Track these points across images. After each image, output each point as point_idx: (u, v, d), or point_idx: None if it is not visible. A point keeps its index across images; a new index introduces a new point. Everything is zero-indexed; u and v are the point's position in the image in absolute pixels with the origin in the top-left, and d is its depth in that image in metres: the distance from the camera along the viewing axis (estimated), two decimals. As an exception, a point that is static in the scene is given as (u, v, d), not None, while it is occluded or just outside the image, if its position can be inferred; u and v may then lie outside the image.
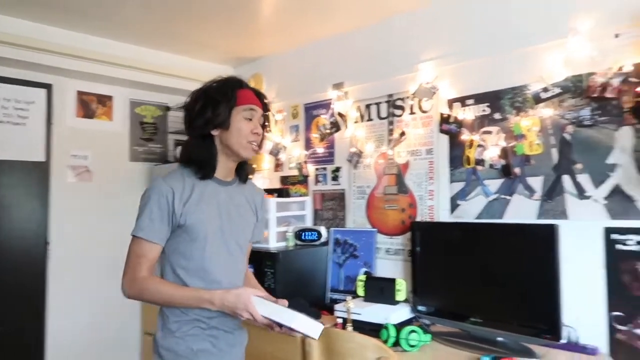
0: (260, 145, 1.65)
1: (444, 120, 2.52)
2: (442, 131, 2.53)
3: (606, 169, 2.01)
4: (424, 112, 2.63)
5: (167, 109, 3.75)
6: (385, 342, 2.09)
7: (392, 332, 2.11)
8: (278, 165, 3.44)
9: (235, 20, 2.87)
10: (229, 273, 1.63)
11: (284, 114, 3.39)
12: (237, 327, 1.69)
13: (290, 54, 3.40)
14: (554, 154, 2.16)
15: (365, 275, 2.62)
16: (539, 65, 2.19)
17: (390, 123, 2.78)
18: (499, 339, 2.11)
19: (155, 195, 1.53)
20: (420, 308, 2.38)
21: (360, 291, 2.53)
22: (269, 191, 3.12)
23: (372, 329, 2.22)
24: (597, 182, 2.04)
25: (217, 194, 1.62)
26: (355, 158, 2.92)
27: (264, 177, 3.50)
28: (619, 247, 1.98)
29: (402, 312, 2.33)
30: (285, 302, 1.52)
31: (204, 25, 2.95)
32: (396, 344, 2.09)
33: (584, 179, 2.07)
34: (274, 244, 2.93)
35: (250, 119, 1.59)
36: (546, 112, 2.16)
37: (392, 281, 2.44)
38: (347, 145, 2.99)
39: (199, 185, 1.59)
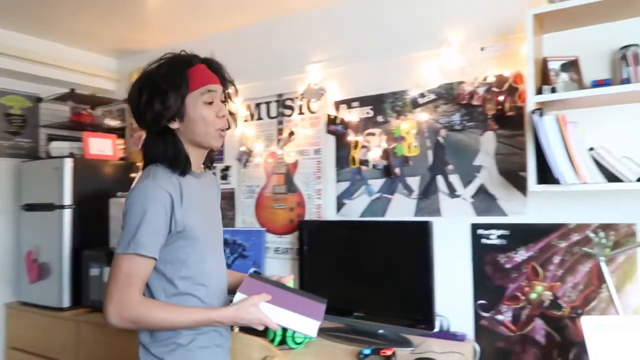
0: (228, 127, 1.41)
1: (331, 121, 2.58)
2: (329, 132, 2.60)
3: (473, 170, 2.20)
4: (312, 112, 2.68)
5: (39, 100, 3.41)
6: (272, 341, 2.09)
7: (280, 330, 2.11)
8: (165, 164, 3.28)
9: (119, 9, 2.69)
10: (221, 273, 1.47)
11: (171, 110, 3.25)
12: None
13: (179, 49, 3.25)
14: (430, 155, 2.31)
15: (252, 275, 2.59)
16: (417, 72, 2.33)
17: (280, 123, 2.80)
18: (380, 331, 2.21)
19: (151, 204, 1.27)
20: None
21: (249, 291, 2.50)
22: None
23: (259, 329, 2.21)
24: (466, 182, 2.22)
25: (196, 190, 1.40)
26: (245, 157, 2.89)
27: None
28: (484, 241, 2.18)
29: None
30: (290, 277, 1.51)
31: (83, 12, 2.72)
32: (283, 342, 2.10)
33: (454, 179, 2.25)
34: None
35: (211, 102, 1.34)
36: (423, 116, 2.31)
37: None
38: (236, 144, 2.94)
39: (184, 183, 1.36)
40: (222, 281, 1.48)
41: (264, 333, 2.11)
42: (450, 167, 2.26)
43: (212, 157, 1.51)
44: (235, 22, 2.89)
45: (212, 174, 1.60)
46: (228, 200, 2.98)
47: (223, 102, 1.40)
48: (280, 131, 2.79)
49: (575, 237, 1.98)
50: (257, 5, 2.65)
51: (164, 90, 1.29)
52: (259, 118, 2.88)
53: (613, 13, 1.82)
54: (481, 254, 2.18)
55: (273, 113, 2.83)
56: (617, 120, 1.88)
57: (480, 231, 2.18)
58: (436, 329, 2.12)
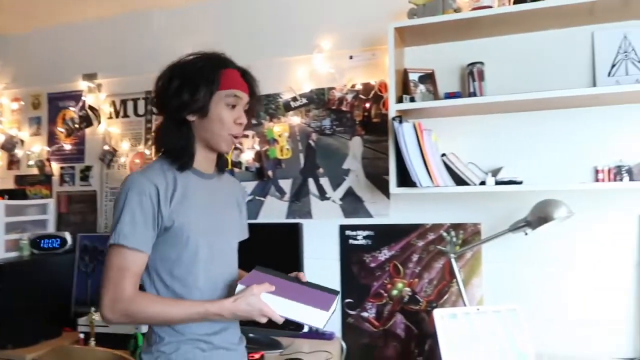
0: (243, 136, 1.40)
1: (154, 130, 2.49)
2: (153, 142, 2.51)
3: (342, 173, 2.28)
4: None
5: None
6: (132, 352, 1.96)
7: (140, 341, 1.99)
8: (13, 163, 2.93)
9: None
10: (224, 280, 1.39)
11: (22, 104, 2.92)
12: (239, 341, 1.47)
13: (34, 36, 2.94)
14: (301, 158, 2.35)
15: (116, 284, 2.41)
16: (290, 76, 2.36)
17: (149, 121, 2.65)
18: (251, 335, 2.18)
19: (136, 194, 1.26)
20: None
21: (110, 301, 2.32)
22: (-1, 192, 2.63)
23: (122, 341, 2.06)
24: (335, 185, 2.29)
25: (200, 189, 1.38)
26: (109, 157, 2.69)
27: (-6, 176, 2.94)
28: (351, 241, 2.26)
29: (154, 319, 2.22)
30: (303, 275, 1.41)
31: None
32: (146, 353, 1.98)
33: (325, 182, 2.31)
34: (2, 255, 2.47)
35: (234, 106, 1.35)
36: (295, 119, 2.35)
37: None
38: (99, 143, 2.72)
39: (181, 179, 1.34)
40: (224, 289, 1.37)
41: (124, 345, 1.99)
42: (321, 170, 2.31)
43: (225, 161, 1.51)
44: (98, 11, 2.68)
45: (234, 179, 1.61)
46: (89, 203, 2.74)
47: (246, 112, 1.40)
48: (148, 130, 2.64)
49: (431, 236, 2.14)
50: (124, -5, 2.49)
51: (196, 83, 1.30)
52: (125, 115, 2.69)
53: (462, 33, 2.01)
54: (349, 254, 2.26)
55: (141, 111, 2.66)
56: (465, 129, 2.08)
57: (348, 232, 2.27)
58: (305, 330, 2.15)
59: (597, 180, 1.88)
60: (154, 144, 1.43)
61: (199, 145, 1.37)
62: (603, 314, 1.91)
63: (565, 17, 1.86)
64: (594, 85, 1.89)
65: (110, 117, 2.72)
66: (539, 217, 1.77)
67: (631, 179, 1.81)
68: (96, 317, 2.11)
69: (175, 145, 1.34)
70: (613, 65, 1.89)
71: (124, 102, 2.70)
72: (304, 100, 2.33)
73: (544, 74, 1.97)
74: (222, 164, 1.49)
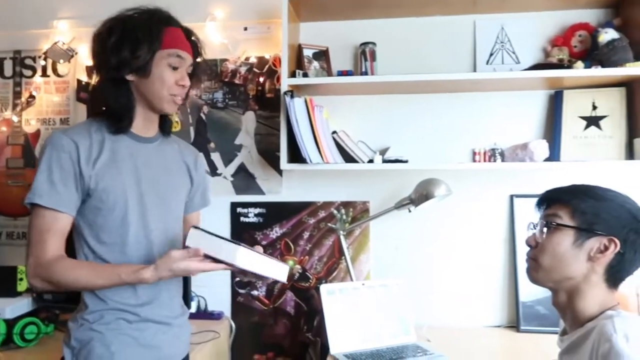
0: (185, 98, 1.34)
1: (82, 88, 2.29)
2: (79, 99, 2.30)
3: (234, 148, 2.21)
4: (59, 76, 2.33)
5: None
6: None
7: (2, 328, 1.80)
8: None
9: None
10: (161, 249, 1.29)
11: None
12: (178, 315, 1.37)
13: None
14: (192, 132, 2.24)
15: (-26, 266, 2.16)
16: (181, 45, 2.22)
17: (18, 84, 2.36)
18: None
19: (53, 151, 1.20)
20: (46, 297, 2.11)
21: (-32, 285, 2.07)
22: None
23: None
24: (227, 160, 2.22)
25: (135, 152, 1.30)
26: (-33, 123, 2.36)
27: None
28: (242, 219, 2.21)
29: (20, 305, 2.00)
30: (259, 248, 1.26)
31: None
32: (8, 341, 1.80)
33: (216, 158, 2.22)
34: None
35: (177, 68, 1.27)
36: (185, 91, 2.22)
37: (12, 270, 2.08)
38: (-44, 106, 2.38)
39: (110, 142, 1.27)
40: (156, 257, 1.25)
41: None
42: (212, 145, 2.23)
43: (169, 123, 1.42)
44: (-44, -47, 2.32)
45: (185, 144, 1.51)
46: (-57, 175, 2.40)
47: (190, 74, 1.33)
48: (17, 94, 2.36)
49: (322, 214, 2.16)
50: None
51: (138, 40, 1.22)
52: (-11, 77, 2.38)
53: (357, 12, 2.02)
54: (240, 231, 2.21)
55: (8, 72, 2.37)
56: (357, 108, 2.11)
57: (239, 209, 2.21)
58: (192, 310, 2.08)
59: (474, 161, 2.01)
60: (89, 105, 1.35)
61: (138, 106, 1.30)
62: (477, 286, 2.06)
63: (451, 5, 1.95)
64: (475, 71, 2.01)
65: (-29, 78, 2.39)
66: (421, 194, 1.85)
67: (503, 161, 1.96)
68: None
69: (113, 107, 1.27)
70: (491, 54, 2.02)
71: (-14, 62, 2.38)
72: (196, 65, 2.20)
73: (431, 57, 2.05)
74: (166, 127, 1.41)
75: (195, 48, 1.35)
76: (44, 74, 2.33)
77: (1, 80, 2.37)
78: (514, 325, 1.98)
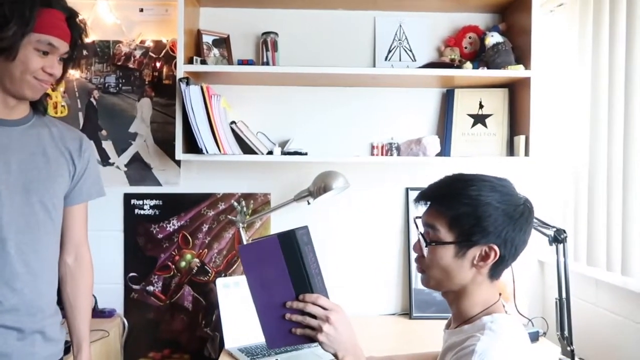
0: (56, 85, 1.17)
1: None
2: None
3: (128, 137, 2.09)
4: None
5: None
6: None
7: None
8: None
9: None
10: (22, 244, 1.18)
11: None
12: (35, 320, 1.21)
13: None
14: (81, 118, 2.08)
15: None
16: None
17: None
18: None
19: None
20: None
21: None
22: None
23: None
24: (120, 149, 2.09)
25: None
26: None
27: None
28: (137, 211, 2.09)
29: None
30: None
31: None
32: None
33: (108, 146, 2.08)
34: None
35: (47, 53, 1.15)
36: (73, 73, 2.04)
37: None
38: None
39: None
40: (26, 259, 1.19)
41: None
42: (104, 132, 2.08)
43: (42, 103, 1.29)
44: None
45: (68, 127, 1.37)
46: None
47: (64, 61, 1.22)
48: None
49: (222, 206, 2.10)
50: None
51: (7, 18, 1.09)
52: None
53: (258, 0, 1.98)
54: (134, 225, 2.09)
55: None
56: (257, 99, 2.07)
57: (133, 201, 2.09)
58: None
59: (372, 154, 2.05)
60: None
61: None
62: (374, 276, 2.11)
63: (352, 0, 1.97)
64: (374, 67, 2.05)
65: None
66: (320, 187, 1.86)
67: (399, 155, 2.02)
68: None
69: None
70: (390, 51, 2.07)
71: None
72: (84, 52, 2.05)
73: (332, 51, 2.06)
74: (39, 107, 1.28)
75: (76, 32, 1.23)
76: None
77: None
78: (408, 312, 2.07)
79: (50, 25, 1.15)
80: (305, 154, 1.91)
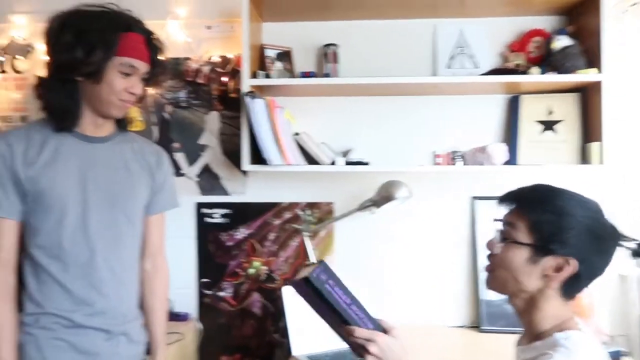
0: (139, 103, 1.27)
1: (37, 83, 2.23)
2: (37, 96, 2.23)
3: (198, 148, 2.19)
4: (17, 72, 2.27)
5: None
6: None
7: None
8: None
9: None
10: (108, 253, 1.27)
11: None
12: (119, 323, 1.31)
13: None
14: (155, 132, 2.21)
15: None
16: (144, 43, 2.19)
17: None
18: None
19: None
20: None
21: None
22: None
23: None
24: (191, 160, 2.20)
25: (79, 152, 1.26)
26: None
27: None
28: (207, 219, 2.19)
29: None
30: None
31: None
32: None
33: (180, 158, 2.20)
34: None
35: (129, 74, 1.23)
36: (148, 89, 2.18)
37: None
38: None
39: (53, 141, 1.24)
40: (113, 267, 1.29)
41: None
42: (176, 144, 2.20)
43: (125, 121, 1.39)
44: None
45: (148, 142, 1.48)
46: None
47: (145, 80, 1.30)
48: None
49: (287, 215, 2.16)
50: None
51: (93, 45, 1.18)
52: None
53: (319, 13, 2.01)
54: (205, 233, 2.19)
55: None
56: (319, 110, 2.11)
57: (204, 210, 2.20)
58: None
59: (435, 163, 2.03)
60: (38, 100, 1.29)
61: (85, 107, 1.27)
62: (439, 287, 2.08)
63: (412, 8, 1.96)
64: (435, 75, 2.03)
65: None
66: (383, 196, 1.87)
67: (465, 164, 1.98)
68: None
69: (58, 106, 1.24)
70: (451, 58, 2.04)
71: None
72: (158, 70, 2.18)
73: (392, 60, 2.06)
74: (122, 124, 1.38)
75: (154, 52, 1.32)
76: (2, 70, 2.27)
77: (-43, 76, 2.30)
78: (477, 325, 2.02)
79: (131, 48, 1.24)
80: (367, 163, 1.92)
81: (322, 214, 2.14)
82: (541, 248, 0.93)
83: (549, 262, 0.93)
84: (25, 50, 2.21)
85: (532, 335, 0.98)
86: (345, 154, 2.00)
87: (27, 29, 2.22)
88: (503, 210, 1.02)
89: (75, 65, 1.20)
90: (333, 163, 1.92)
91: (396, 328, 1.04)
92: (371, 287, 1.95)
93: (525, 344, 1.00)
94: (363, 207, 1.92)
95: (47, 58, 1.26)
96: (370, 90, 1.98)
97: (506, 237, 0.97)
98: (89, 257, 1.26)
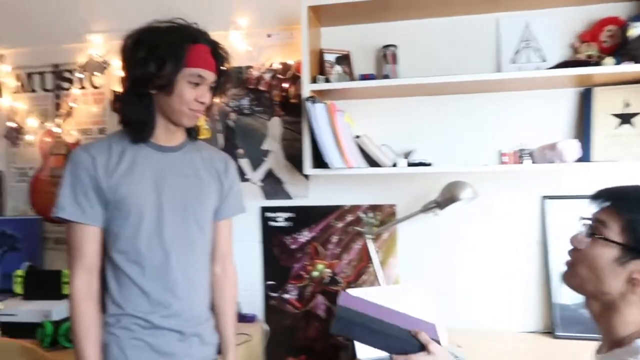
0: (207, 112, 1.40)
1: (116, 98, 2.38)
2: (114, 110, 2.39)
3: (261, 154, 2.25)
4: (95, 87, 2.44)
5: None
6: (41, 342, 1.87)
7: (49, 329, 1.91)
8: None
9: None
10: (180, 258, 1.34)
11: None
12: (193, 325, 1.37)
13: None
14: (221, 139, 2.29)
15: (25, 270, 2.29)
16: (208, 54, 2.28)
17: (57, 97, 2.49)
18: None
19: (73, 166, 1.28)
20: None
21: (19, 288, 2.20)
22: None
23: (30, 330, 1.96)
24: (255, 166, 2.26)
25: (154, 161, 1.34)
26: (14, 134, 2.51)
27: None
28: (271, 223, 2.25)
29: (65, 307, 2.12)
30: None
31: None
32: (55, 342, 1.90)
33: (244, 163, 2.27)
34: None
35: (197, 84, 1.30)
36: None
37: (57, 273, 2.20)
38: (3, 119, 2.53)
39: (130, 152, 1.32)
40: (185, 269, 1.35)
41: (33, 334, 1.90)
42: (240, 151, 2.27)
43: (195, 131, 1.47)
44: (0, -24, 2.47)
45: (216, 150, 1.53)
46: (-6, 184, 2.57)
47: (212, 88, 1.36)
48: (57, 106, 2.48)
49: (349, 218, 2.17)
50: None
51: (164, 58, 1.24)
52: (32, 90, 2.52)
53: (377, 15, 2.01)
54: (269, 236, 2.24)
55: (49, 85, 2.50)
56: (379, 111, 2.10)
57: (268, 214, 2.25)
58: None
59: (502, 162, 1.96)
60: (115, 114, 1.40)
61: (159, 118, 1.34)
62: (509, 290, 2.01)
63: (472, 4, 1.91)
64: (499, 71, 1.96)
65: (16, 92, 2.53)
66: (447, 198, 1.82)
67: (533, 162, 1.90)
68: (1, 306, 2.00)
69: (135, 118, 1.31)
70: (516, 53, 1.96)
71: (29, 76, 2.52)
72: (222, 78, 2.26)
73: (453, 58, 2.02)
74: (192, 133, 1.46)
75: (220, 62, 1.37)
76: (81, 86, 2.45)
77: (43, 93, 2.50)
78: (551, 331, 1.93)
79: (198, 59, 1.29)
80: (429, 164, 1.89)
81: (385, 216, 2.13)
82: (633, 250, 0.88)
83: (638, 266, 0.88)
84: (102, 67, 2.37)
85: (611, 341, 0.93)
86: (406, 155, 1.98)
87: (103, 47, 2.38)
88: (593, 208, 0.97)
89: (149, 79, 1.26)
90: (395, 165, 1.91)
91: (432, 343, 1.02)
92: (436, 290, 1.90)
93: (605, 352, 0.94)
94: (426, 208, 1.89)
95: (123, 73, 1.34)
96: (431, 90, 1.95)
97: (595, 233, 0.92)
98: (164, 261, 1.32)
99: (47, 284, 2.18)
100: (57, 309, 2.04)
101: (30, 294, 2.18)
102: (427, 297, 1.85)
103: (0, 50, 2.54)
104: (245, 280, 2.23)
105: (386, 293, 1.85)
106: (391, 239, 2.12)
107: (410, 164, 1.90)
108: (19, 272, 2.24)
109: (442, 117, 2.05)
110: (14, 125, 2.51)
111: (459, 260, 2.05)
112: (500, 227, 2.02)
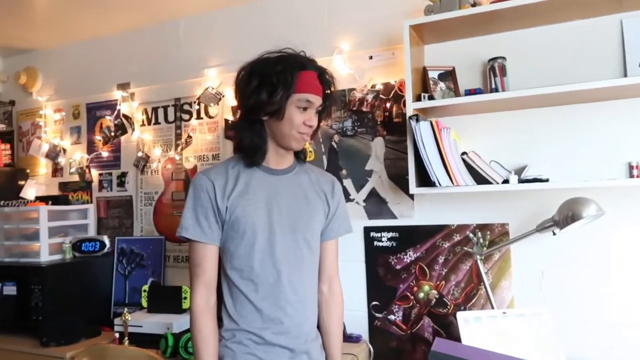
0: (313, 135, 1.45)
1: (229, 126, 2.55)
2: (227, 137, 2.57)
3: (365, 174, 2.26)
4: (210, 117, 2.63)
5: None
6: (163, 352, 2.02)
7: (170, 341, 2.05)
8: (56, 170, 3.09)
9: (5, 4, 2.50)
10: (292, 275, 1.39)
11: (63, 114, 3.08)
12: (302, 342, 1.41)
13: (71, 49, 3.09)
14: (325, 160, 2.35)
15: (149, 285, 2.50)
16: (312, 79, 2.36)
17: (178, 127, 2.73)
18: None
19: (194, 190, 1.39)
20: (204, 314, 2.36)
21: (145, 302, 2.41)
22: (43, 199, 2.78)
23: (154, 340, 2.13)
24: (358, 186, 2.28)
25: (267, 184, 1.42)
26: (142, 163, 2.79)
27: (39, 182, 3.10)
28: (376, 243, 2.24)
29: (185, 320, 2.28)
30: None
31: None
32: (175, 353, 2.04)
33: (348, 184, 2.30)
34: (46, 258, 2.61)
35: (306, 108, 1.36)
36: (317, 122, 2.34)
37: (178, 289, 2.37)
38: (133, 149, 2.83)
39: (245, 175, 1.41)
40: (295, 287, 1.39)
41: (157, 345, 2.06)
42: (344, 172, 2.30)
43: (304, 153, 1.53)
44: (130, 23, 2.79)
45: (323, 172, 1.59)
46: (125, 207, 2.86)
47: (319, 112, 1.42)
48: (178, 136, 2.72)
49: (456, 238, 2.09)
50: (153, 6, 2.57)
51: (275, 86, 1.31)
52: (157, 122, 2.79)
53: (482, 28, 1.95)
54: (374, 256, 2.23)
55: (171, 117, 2.75)
56: (487, 127, 2.01)
57: (372, 234, 2.24)
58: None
59: (631, 176, 1.77)
60: (229, 141, 1.45)
61: (270, 142, 1.41)
62: (642, 317, 1.80)
63: (591, 6, 1.78)
64: (625, 76, 1.79)
65: (143, 125, 2.82)
66: (566, 216, 1.69)
67: (669, 175, 1.70)
68: (129, 317, 2.19)
69: (249, 144, 1.39)
70: (644, 55, 1.79)
71: (154, 110, 2.80)
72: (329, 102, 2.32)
73: (569, 66, 1.89)
74: (300, 155, 1.51)
75: (326, 86, 1.41)
76: (198, 116, 2.66)
77: (166, 124, 2.76)
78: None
79: (306, 85, 1.34)
80: (546, 180, 1.76)
81: (495, 235, 2.02)
82: None
83: None
84: (217, 98, 2.56)
85: None
86: (518, 171, 1.87)
87: (217, 79, 2.58)
88: None
89: (261, 106, 1.33)
90: (506, 181, 1.81)
91: None
92: (557, 318, 1.75)
93: None
94: (543, 227, 1.76)
95: (235, 103, 1.45)
96: (543, 101, 1.83)
97: None
98: (275, 279, 1.37)
99: (169, 299, 2.36)
100: (177, 322, 2.20)
101: (153, 308, 2.38)
102: (543, 323, 1.72)
103: (132, 89, 2.85)
104: (350, 300, 2.21)
105: (496, 317, 1.74)
106: (503, 260, 2.01)
107: (523, 180, 1.79)
108: (145, 287, 2.46)
109: (557, 129, 1.91)
110: (141, 154, 2.79)
111: (583, 284, 1.87)
112: (630, 248, 1.81)
